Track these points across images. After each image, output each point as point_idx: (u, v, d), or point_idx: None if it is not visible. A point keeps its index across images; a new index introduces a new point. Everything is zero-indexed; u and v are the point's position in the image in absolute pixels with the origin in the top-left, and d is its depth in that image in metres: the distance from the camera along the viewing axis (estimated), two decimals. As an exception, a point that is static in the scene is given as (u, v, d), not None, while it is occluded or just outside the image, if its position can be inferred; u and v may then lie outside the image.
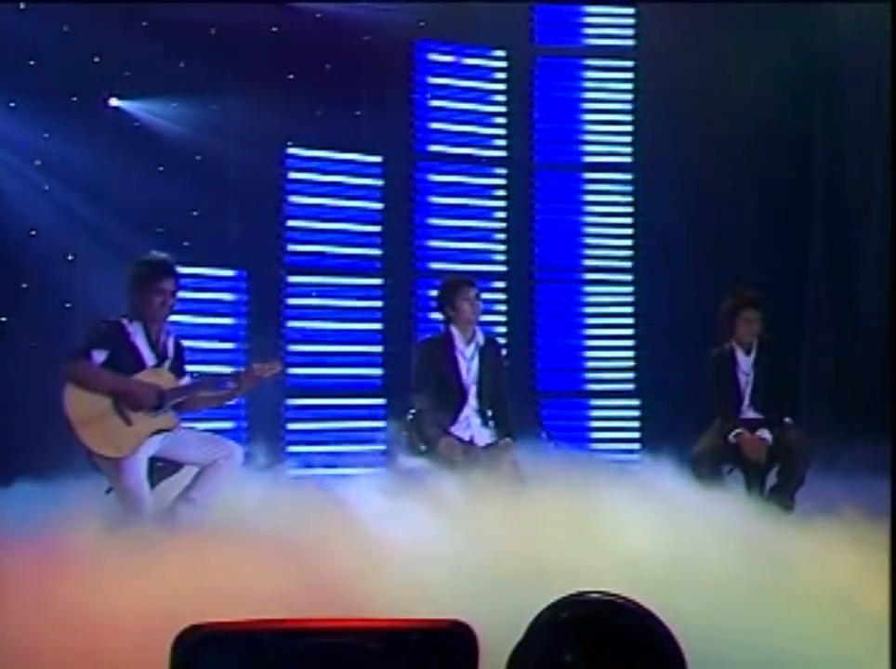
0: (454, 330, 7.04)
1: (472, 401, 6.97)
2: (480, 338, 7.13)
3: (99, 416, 6.09)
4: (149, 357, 6.30)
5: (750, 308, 7.60)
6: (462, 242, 10.34)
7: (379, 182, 10.04)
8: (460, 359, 7.00)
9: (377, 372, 9.97)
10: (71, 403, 6.08)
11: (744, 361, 7.66)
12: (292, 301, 9.77)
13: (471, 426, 6.94)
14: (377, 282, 10.03)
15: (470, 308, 7.07)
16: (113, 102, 8.97)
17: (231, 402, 6.92)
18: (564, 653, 1.72)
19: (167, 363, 6.36)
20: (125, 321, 6.26)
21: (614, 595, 1.81)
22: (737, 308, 7.60)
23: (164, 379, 6.30)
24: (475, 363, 7.02)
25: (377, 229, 10.06)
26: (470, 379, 6.99)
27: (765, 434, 7.39)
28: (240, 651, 1.98)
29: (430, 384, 6.94)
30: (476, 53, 10.47)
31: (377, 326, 10.00)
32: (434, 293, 7.43)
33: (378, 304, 10.01)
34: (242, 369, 6.75)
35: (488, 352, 7.13)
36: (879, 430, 6.66)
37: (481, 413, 6.98)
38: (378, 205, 10.05)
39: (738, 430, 7.39)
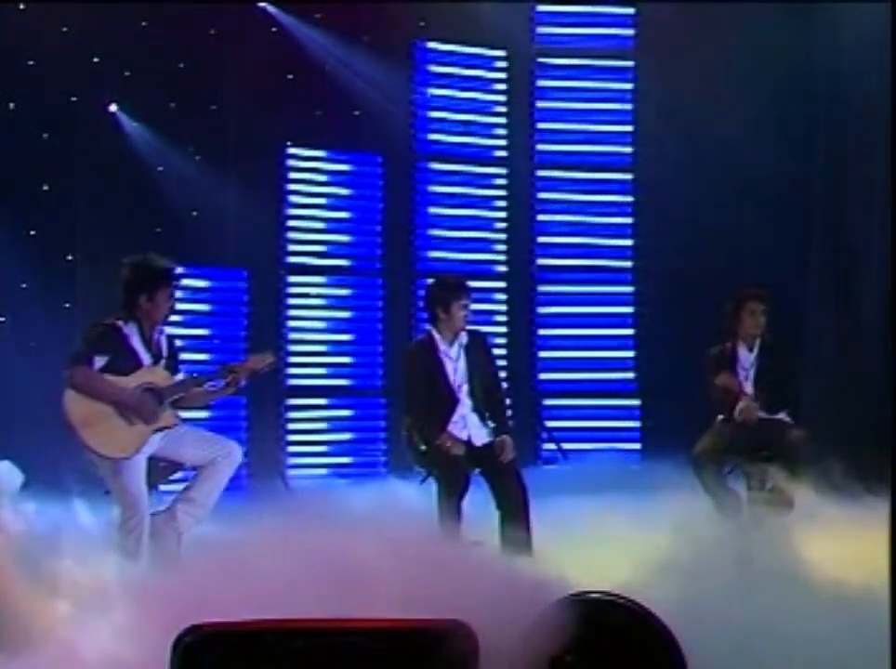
0: (437, 334, 6.85)
1: (466, 401, 6.84)
2: (464, 338, 6.91)
3: (101, 418, 6.08)
4: (145, 357, 6.28)
5: (755, 300, 7.61)
6: (462, 242, 10.34)
7: (379, 182, 10.06)
8: (445, 360, 6.82)
9: (378, 372, 9.97)
10: (71, 407, 6.08)
11: (745, 358, 7.66)
12: (292, 301, 9.77)
13: (468, 425, 6.82)
14: (377, 281, 10.05)
15: (463, 314, 6.86)
16: (113, 108, 8.97)
17: (229, 395, 6.85)
18: (564, 653, 1.73)
19: (162, 362, 6.36)
20: (120, 323, 6.24)
21: (614, 595, 1.81)
22: (742, 301, 7.60)
23: (160, 377, 6.29)
24: (462, 363, 6.84)
25: (377, 228, 10.06)
26: (459, 379, 6.82)
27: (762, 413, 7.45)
28: (240, 651, 1.98)
29: (420, 389, 6.80)
30: (476, 53, 10.46)
31: (377, 326, 10.01)
32: (425, 291, 7.18)
33: (378, 304, 10.02)
34: (235, 363, 6.68)
35: (474, 349, 6.92)
36: (880, 430, 6.65)
37: (477, 411, 6.85)
38: (378, 205, 10.06)
39: (741, 404, 7.42)
